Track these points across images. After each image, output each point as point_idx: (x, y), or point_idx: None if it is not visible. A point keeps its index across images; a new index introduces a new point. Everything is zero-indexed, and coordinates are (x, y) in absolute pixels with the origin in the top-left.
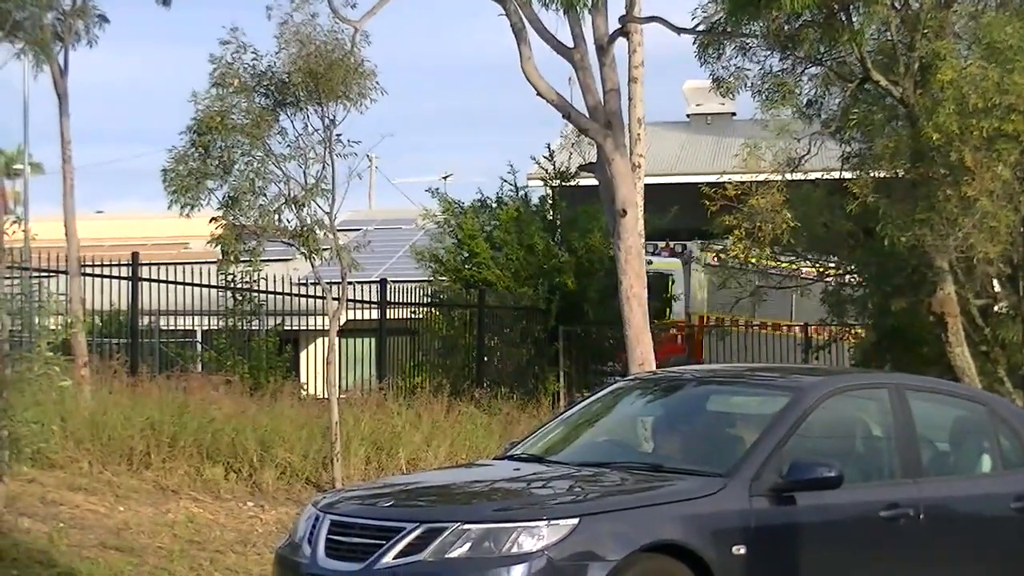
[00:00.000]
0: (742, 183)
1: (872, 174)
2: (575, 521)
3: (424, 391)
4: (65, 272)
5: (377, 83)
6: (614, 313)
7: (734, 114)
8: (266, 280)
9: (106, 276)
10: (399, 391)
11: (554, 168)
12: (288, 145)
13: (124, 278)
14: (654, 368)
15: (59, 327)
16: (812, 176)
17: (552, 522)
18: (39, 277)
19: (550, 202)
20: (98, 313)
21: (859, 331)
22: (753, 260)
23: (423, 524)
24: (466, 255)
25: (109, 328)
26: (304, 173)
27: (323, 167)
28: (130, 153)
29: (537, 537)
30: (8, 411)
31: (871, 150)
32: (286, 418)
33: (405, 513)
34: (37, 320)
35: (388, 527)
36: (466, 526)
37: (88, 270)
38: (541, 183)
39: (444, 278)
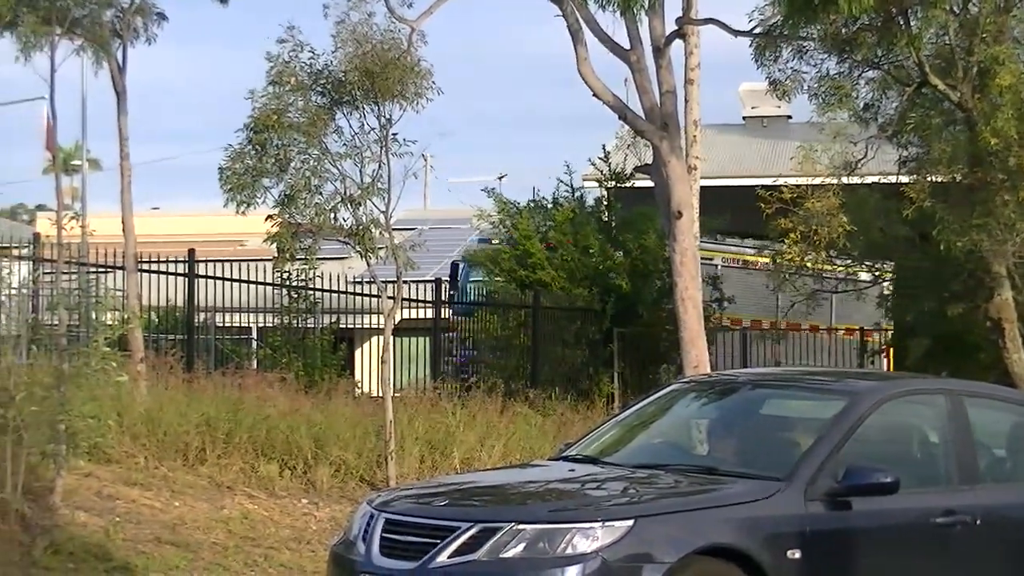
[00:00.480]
0: (798, 186)
1: (929, 178)
2: (630, 523)
3: (478, 391)
4: (122, 268)
5: (433, 83)
6: (669, 315)
7: (790, 117)
8: (321, 278)
9: (163, 272)
10: (453, 390)
11: (609, 169)
12: (344, 144)
13: (180, 275)
14: (709, 370)
15: (116, 323)
16: (868, 180)
17: (607, 523)
18: (96, 273)
19: (605, 203)
20: (154, 309)
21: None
22: (808, 264)
23: (478, 524)
24: (521, 255)
25: (165, 324)
26: (360, 172)
27: (379, 166)
28: (186, 150)
29: (592, 538)
30: (65, 405)
31: (928, 154)
32: (340, 416)
33: (460, 512)
34: (94, 315)
35: (443, 526)
36: (521, 526)
37: (145, 266)
38: (596, 184)
39: (499, 278)
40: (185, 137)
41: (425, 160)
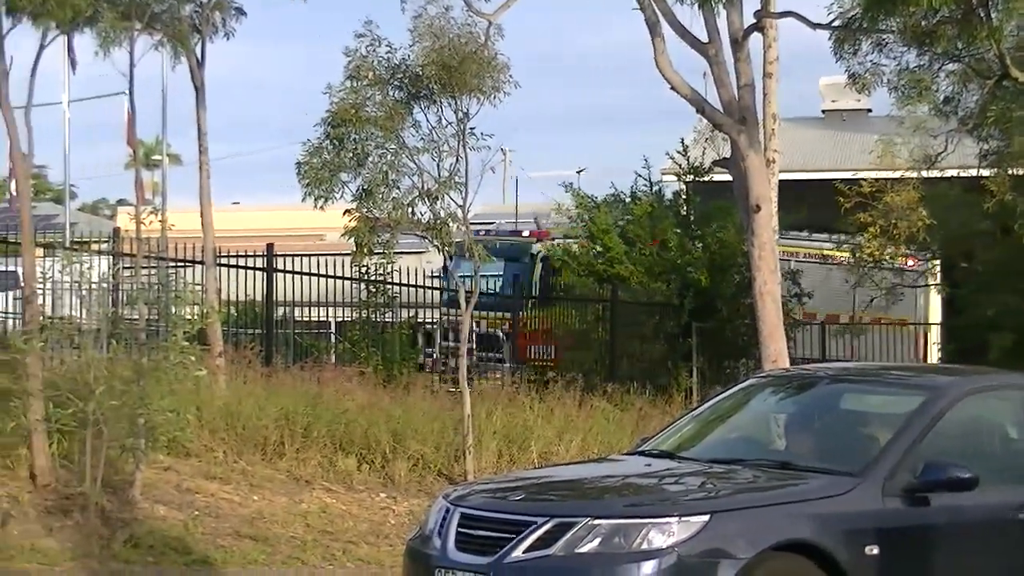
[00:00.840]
0: (877, 180)
1: (1010, 172)
2: (706, 518)
3: (556, 385)
4: (201, 262)
5: (510, 77)
6: (747, 309)
7: (870, 111)
8: (399, 272)
9: (241, 267)
10: (531, 385)
11: (688, 163)
12: (422, 138)
13: (259, 269)
14: (788, 365)
15: (195, 317)
16: (948, 174)
17: (683, 519)
18: (175, 267)
19: (683, 197)
20: (233, 303)
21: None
22: (888, 257)
23: (553, 518)
24: (599, 250)
25: (244, 318)
26: (437, 166)
27: (456, 160)
28: (266, 145)
29: (668, 533)
30: (145, 399)
31: (1009, 148)
32: (418, 410)
33: (535, 507)
34: (173, 310)
35: (518, 521)
36: (596, 521)
37: (223, 261)
38: (675, 178)
39: (576, 272)
40: (265, 131)
41: (504, 154)
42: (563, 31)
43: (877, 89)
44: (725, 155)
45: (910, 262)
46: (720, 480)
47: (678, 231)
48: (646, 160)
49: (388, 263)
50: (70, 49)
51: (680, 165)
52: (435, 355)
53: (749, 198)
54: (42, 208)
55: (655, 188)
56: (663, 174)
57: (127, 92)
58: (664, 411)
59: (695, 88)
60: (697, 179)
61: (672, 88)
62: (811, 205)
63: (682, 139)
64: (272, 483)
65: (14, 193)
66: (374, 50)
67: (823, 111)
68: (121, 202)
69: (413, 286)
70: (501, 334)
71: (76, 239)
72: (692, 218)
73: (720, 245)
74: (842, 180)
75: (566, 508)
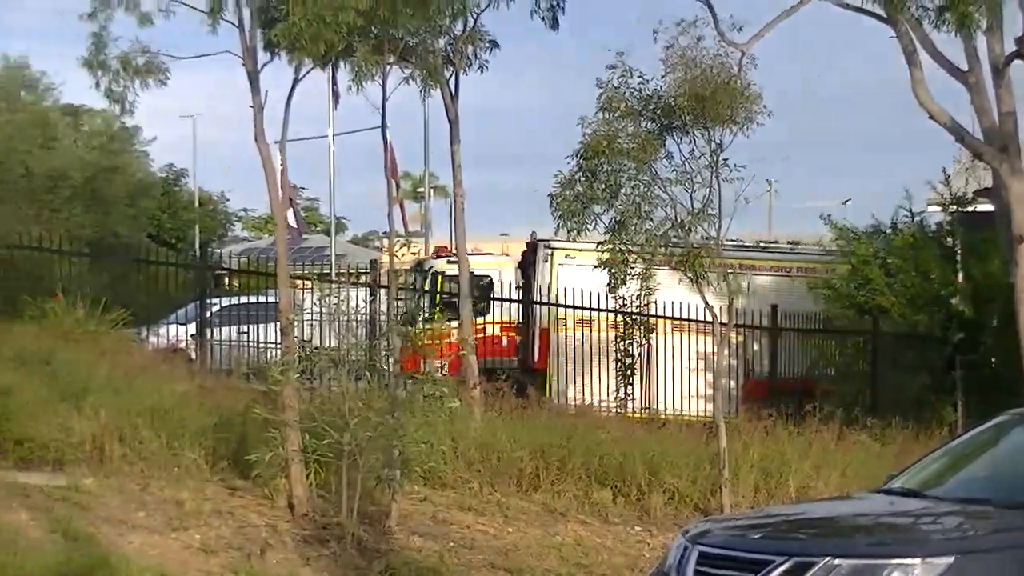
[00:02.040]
0: None
1: None
2: (950, 559)
3: (814, 418)
4: (456, 294)
5: (764, 107)
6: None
7: None
8: (655, 304)
9: (496, 299)
10: (788, 418)
11: (950, 193)
12: (674, 169)
13: (514, 301)
14: None
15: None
16: None
17: (927, 559)
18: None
19: (947, 228)
20: None
21: None
22: None
23: (792, 558)
24: (860, 281)
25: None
26: (690, 197)
27: (709, 191)
28: (540, 177)
29: (910, 574)
30: (399, 431)
31: None
32: (673, 442)
33: (773, 546)
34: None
35: (756, 560)
36: (836, 561)
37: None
38: (939, 208)
39: (836, 304)
40: (525, 161)
41: (769, 185)
42: (819, 59)
43: None
44: (987, 185)
45: None
46: (966, 520)
47: (941, 262)
48: (907, 191)
49: (646, 294)
50: (334, 82)
51: (943, 195)
52: None
53: (1012, 228)
54: (314, 240)
55: (917, 218)
56: (928, 204)
57: (381, 126)
58: (926, 446)
59: (953, 116)
60: (960, 209)
61: (931, 117)
62: None
63: (944, 168)
64: (527, 515)
65: (293, 225)
66: (626, 81)
67: None
68: (387, 234)
69: (664, 317)
70: None
71: (339, 271)
72: (956, 249)
73: (985, 276)
74: None
75: (805, 547)
